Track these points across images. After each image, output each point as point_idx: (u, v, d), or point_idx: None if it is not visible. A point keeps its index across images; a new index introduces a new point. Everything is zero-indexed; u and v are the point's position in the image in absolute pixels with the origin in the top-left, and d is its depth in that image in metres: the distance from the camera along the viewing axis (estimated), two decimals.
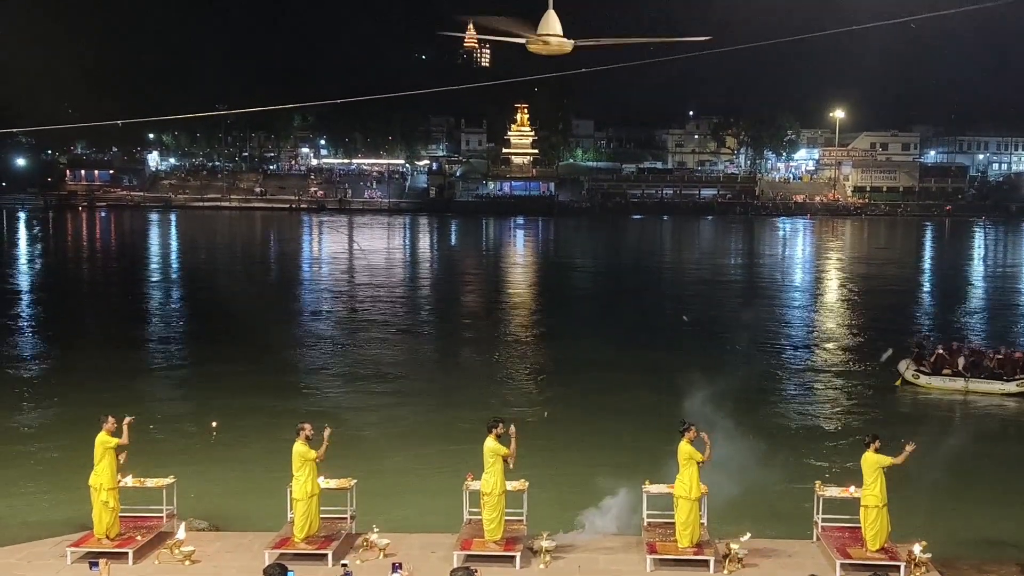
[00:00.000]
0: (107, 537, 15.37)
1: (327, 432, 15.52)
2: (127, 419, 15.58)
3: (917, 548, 14.73)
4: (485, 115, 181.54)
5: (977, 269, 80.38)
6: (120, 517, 15.72)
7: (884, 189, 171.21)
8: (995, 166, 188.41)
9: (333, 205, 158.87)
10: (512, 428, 15.51)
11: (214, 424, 21.74)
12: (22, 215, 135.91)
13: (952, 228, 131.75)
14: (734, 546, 14.94)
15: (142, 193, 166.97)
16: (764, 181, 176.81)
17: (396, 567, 11.47)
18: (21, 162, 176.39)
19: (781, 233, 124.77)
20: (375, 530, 15.75)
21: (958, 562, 15.95)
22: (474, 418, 22.28)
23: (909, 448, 15.14)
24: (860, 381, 34.32)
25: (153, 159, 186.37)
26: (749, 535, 15.35)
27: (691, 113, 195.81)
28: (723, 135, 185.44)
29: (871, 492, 15.07)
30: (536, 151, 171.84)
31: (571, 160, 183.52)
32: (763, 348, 40.39)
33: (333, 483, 16.37)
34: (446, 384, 33.02)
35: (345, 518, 16.40)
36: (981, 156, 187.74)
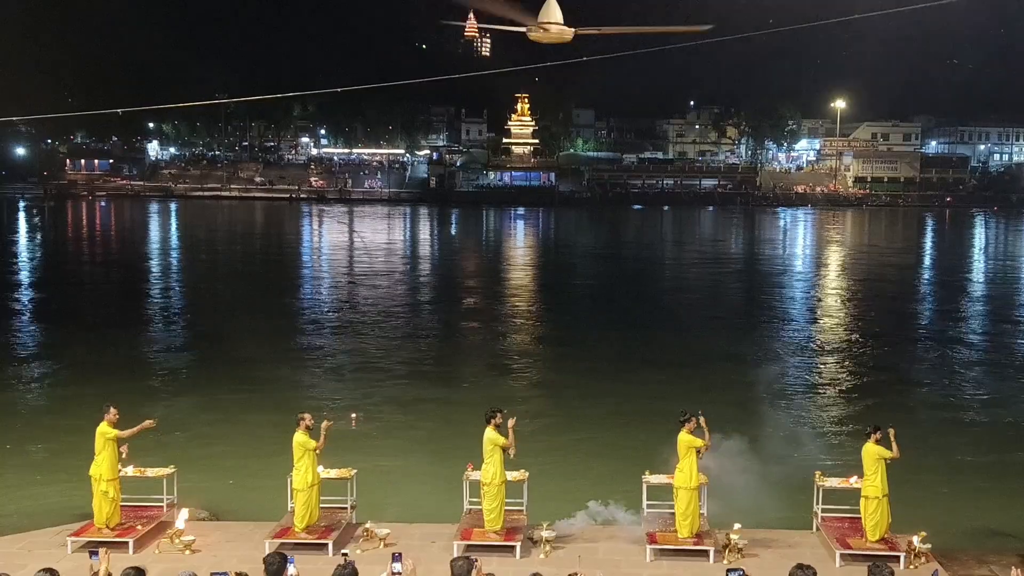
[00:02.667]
0: (107, 527, 15.39)
1: (325, 424, 15.49)
2: (146, 422, 15.64)
3: (917, 539, 14.73)
4: (486, 105, 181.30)
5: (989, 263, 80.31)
6: (121, 506, 15.73)
7: (885, 179, 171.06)
8: (996, 156, 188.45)
9: (333, 195, 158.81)
10: (512, 420, 15.48)
11: (353, 415, 21.83)
12: (22, 205, 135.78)
13: (953, 219, 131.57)
14: (734, 536, 14.94)
15: (142, 183, 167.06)
16: (765, 172, 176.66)
17: (396, 557, 11.43)
18: (21, 152, 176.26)
19: (782, 223, 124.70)
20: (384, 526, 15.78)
21: (958, 553, 15.93)
22: (474, 408, 22.26)
23: (891, 431, 15.14)
24: (868, 371, 34.30)
25: (153, 149, 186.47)
26: (740, 525, 15.34)
27: (692, 103, 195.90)
28: (724, 125, 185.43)
29: (871, 483, 15.06)
30: (537, 141, 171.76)
31: (572, 150, 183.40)
32: (768, 338, 40.38)
33: (333, 473, 16.38)
34: (446, 374, 33.01)
35: (345, 508, 16.40)
36: (982, 146, 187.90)
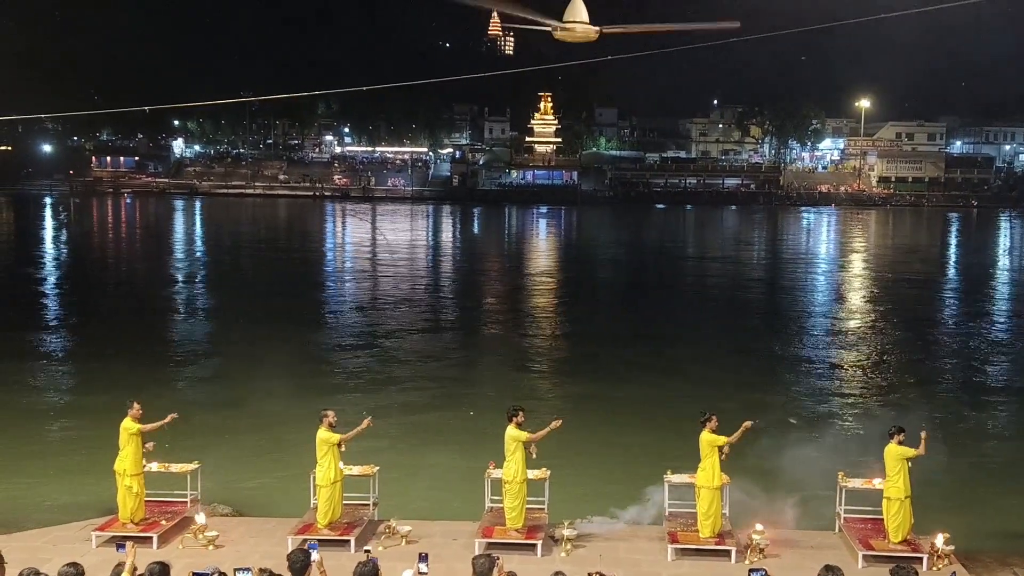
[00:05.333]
0: (132, 522, 15.50)
1: (366, 422, 15.47)
2: (170, 416, 15.71)
3: (940, 540, 14.65)
4: (509, 103, 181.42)
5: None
6: (145, 502, 15.85)
7: (909, 179, 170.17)
8: (1021, 157, 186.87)
9: (357, 193, 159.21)
10: (557, 422, 15.43)
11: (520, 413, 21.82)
12: (48, 201, 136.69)
13: (980, 220, 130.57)
14: (756, 536, 14.89)
15: (167, 180, 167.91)
16: (789, 171, 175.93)
17: (423, 557, 11.45)
18: (47, 149, 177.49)
19: (806, 223, 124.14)
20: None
21: (981, 554, 15.86)
22: (496, 405, 22.31)
23: (924, 435, 15.03)
24: (887, 373, 34.12)
25: (178, 146, 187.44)
26: (765, 527, 15.28)
27: (715, 102, 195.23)
28: (747, 124, 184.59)
29: (894, 484, 14.98)
30: (559, 140, 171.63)
31: (594, 149, 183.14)
32: (792, 337, 40.25)
33: (356, 470, 16.42)
34: (468, 372, 33.07)
35: (368, 504, 16.47)
36: (1007, 147, 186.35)
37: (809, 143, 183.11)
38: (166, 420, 15.72)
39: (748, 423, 15.15)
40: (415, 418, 26.54)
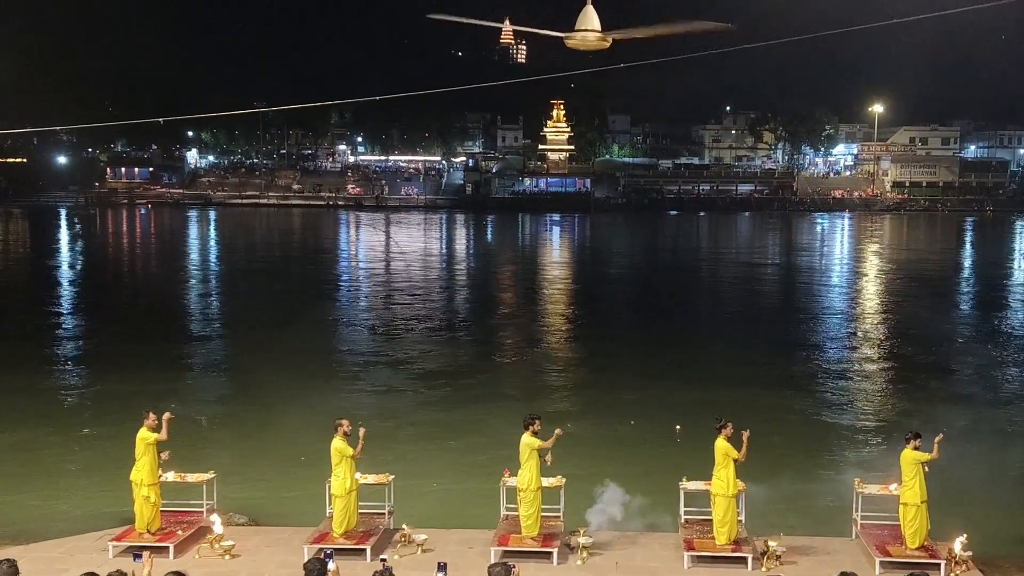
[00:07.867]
0: (148, 531, 15.54)
1: (362, 432, 15.55)
2: (165, 415, 15.65)
3: (958, 545, 14.59)
4: (521, 111, 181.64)
5: None
6: (161, 512, 15.88)
7: (924, 184, 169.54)
8: None
9: (370, 202, 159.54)
10: (559, 431, 15.48)
11: (678, 427, 21.78)
12: (63, 213, 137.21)
13: (996, 225, 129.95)
14: (772, 543, 14.85)
15: (181, 190, 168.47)
16: (802, 176, 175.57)
17: (441, 567, 11.45)
18: (62, 160, 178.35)
19: (820, 229, 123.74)
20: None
21: (999, 560, 15.78)
22: (511, 414, 22.29)
23: (938, 438, 15.03)
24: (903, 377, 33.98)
25: (192, 157, 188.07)
26: (782, 534, 15.23)
27: (728, 108, 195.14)
28: (760, 130, 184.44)
29: (911, 489, 14.92)
30: (572, 147, 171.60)
31: (607, 156, 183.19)
32: (806, 343, 40.14)
33: (371, 478, 16.46)
34: (483, 380, 33.03)
35: (383, 513, 16.49)
36: (1022, 150, 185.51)
37: (822, 148, 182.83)
38: (165, 421, 15.59)
39: (746, 432, 15.11)
40: (430, 427, 26.53)
